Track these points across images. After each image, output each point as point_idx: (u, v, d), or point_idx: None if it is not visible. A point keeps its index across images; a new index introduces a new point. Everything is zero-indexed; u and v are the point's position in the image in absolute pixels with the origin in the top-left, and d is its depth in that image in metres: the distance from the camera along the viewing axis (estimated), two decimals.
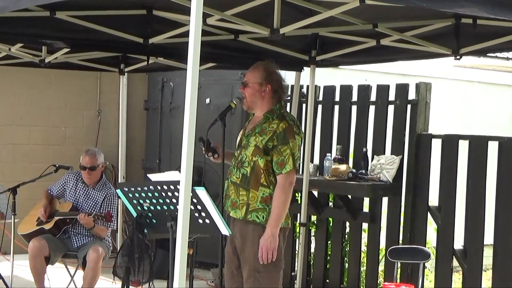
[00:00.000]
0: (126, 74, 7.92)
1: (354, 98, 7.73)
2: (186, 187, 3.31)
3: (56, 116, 10.09)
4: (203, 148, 5.10)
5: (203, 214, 4.23)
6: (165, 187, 4.30)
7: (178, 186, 3.99)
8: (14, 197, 6.66)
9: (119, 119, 8.00)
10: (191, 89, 3.27)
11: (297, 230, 7.67)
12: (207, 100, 9.15)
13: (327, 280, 7.88)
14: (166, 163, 9.90)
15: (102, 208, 6.93)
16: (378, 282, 7.47)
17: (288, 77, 5.41)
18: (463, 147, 6.81)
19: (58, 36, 6.03)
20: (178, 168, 3.78)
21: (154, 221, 4.52)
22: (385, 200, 7.36)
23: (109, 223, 6.80)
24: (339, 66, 8.31)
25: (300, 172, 7.19)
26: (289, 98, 7.44)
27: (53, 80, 9.93)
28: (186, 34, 3.39)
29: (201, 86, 7.61)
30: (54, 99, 10.05)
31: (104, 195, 7.00)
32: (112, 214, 6.79)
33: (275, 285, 5.02)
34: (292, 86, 7.24)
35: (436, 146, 7.05)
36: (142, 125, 10.59)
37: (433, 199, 7.07)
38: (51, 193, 7.13)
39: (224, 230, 4.32)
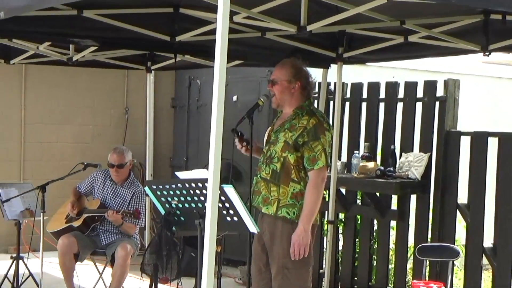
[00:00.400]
0: (153, 72, 7.95)
1: (382, 95, 7.70)
2: (214, 184, 3.31)
3: (84, 114, 10.15)
4: (236, 139, 5.08)
5: (231, 211, 4.22)
6: (193, 185, 4.30)
7: (206, 184, 3.99)
8: (43, 195, 6.70)
9: (147, 117, 8.02)
10: (218, 87, 3.27)
11: (325, 228, 7.66)
12: (234, 98, 9.15)
13: (355, 278, 7.85)
14: (194, 161, 9.91)
15: (130, 206, 6.96)
16: (407, 280, 7.43)
17: (315, 74, 5.39)
18: (493, 144, 6.75)
19: (86, 34, 6.07)
20: (205, 166, 3.77)
21: (182, 218, 4.52)
22: (413, 197, 7.31)
23: (137, 221, 6.82)
24: (367, 63, 8.27)
25: (328, 170, 7.17)
26: (316, 95, 7.42)
27: (81, 78, 9.97)
28: (213, 32, 3.41)
29: (228, 83, 7.56)
30: (81, 97, 10.11)
31: (132, 193, 7.03)
32: (140, 211, 6.82)
33: (304, 281, 4.99)
34: (320, 84, 7.21)
35: (465, 143, 6.99)
36: (170, 123, 10.62)
37: (462, 197, 7.01)
38: (80, 190, 7.17)
39: (252, 227, 4.31)
